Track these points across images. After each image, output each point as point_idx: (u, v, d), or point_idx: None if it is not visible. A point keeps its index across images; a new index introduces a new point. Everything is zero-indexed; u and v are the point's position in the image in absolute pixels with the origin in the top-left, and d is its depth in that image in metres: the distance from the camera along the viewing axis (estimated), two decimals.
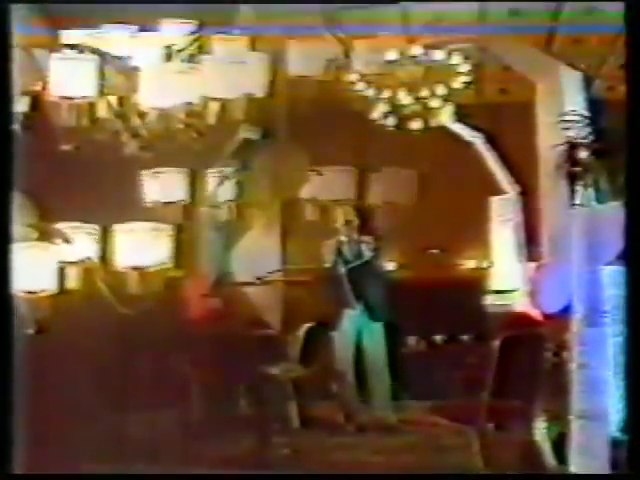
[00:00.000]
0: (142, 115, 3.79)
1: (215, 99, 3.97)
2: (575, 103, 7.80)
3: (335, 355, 8.47)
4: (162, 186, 4.43)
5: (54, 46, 3.62)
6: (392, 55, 8.77)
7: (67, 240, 4.37)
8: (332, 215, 5.22)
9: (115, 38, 3.81)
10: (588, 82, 8.31)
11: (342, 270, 8.51)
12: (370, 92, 9.02)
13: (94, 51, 3.85)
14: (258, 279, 9.87)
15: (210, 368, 8.63)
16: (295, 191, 4.57)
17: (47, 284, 4.16)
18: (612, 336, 5.93)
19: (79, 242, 4.38)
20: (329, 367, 8.48)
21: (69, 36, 3.71)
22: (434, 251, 9.85)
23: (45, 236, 4.14)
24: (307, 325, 8.77)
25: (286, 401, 8.35)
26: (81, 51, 3.81)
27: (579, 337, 6.09)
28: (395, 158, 9.55)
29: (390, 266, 9.28)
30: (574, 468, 6.04)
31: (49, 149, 4.24)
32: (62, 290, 4.32)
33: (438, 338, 9.57)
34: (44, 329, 4.31)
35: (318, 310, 8.87)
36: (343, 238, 8.56)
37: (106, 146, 4.29)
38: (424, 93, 9.24)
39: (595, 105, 7.86)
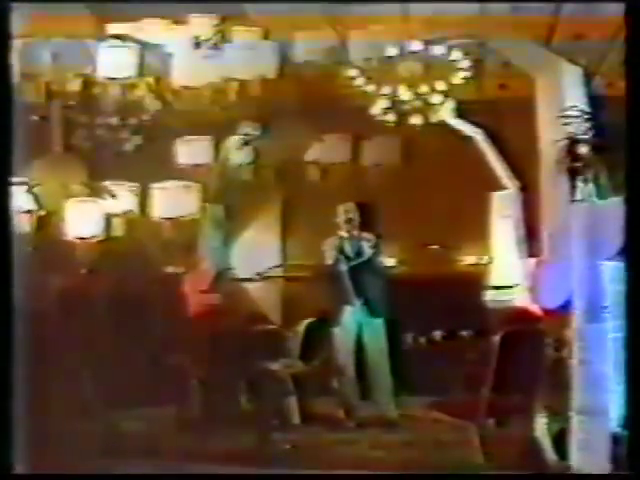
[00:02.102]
0: (175, 92, 4.49)
1: (235, 79, 4.63)
2: (575, 99, 7.81)
3: (336, 351, 8.46)
4: (191, 151, 5.24)
5: (102, 36, 4.25)
6: (392, 51, 8.77)
7: (113, 196, 5.14)
8: (331, 177, 5.75)
9: (152, 30, 4.54)
10: (588, 78, 8.31)
11: (343, 266, 8.49)
12: (370, 88, 9.02)
13: (135, 40, 4.56)
14: (258, 275, 9.89)
15: (210, 364, 8.63)
16: (300, 154, 5.15)
17: (96, 232, 4.98)
18: (612, 332, 5.93)
19: (122, 197, 5.15)
20: (329, 363, 8.48)
21: (114, 28, 4.38)
22: (434, 247, 9.87)
23: (95, 192, 4.91)
24: (307, 321, 8.77)
25: (286, 397, 8.35)
26: (124, 40, 4.45)
27: (579, 333, 6.08)
28: (395, 154, 9.58)
29: (390, 262, 9.29)
30: (574, 464, 6.03)
31: (98, 121, 4.84)
32: (108, 237, 5.12)
33: (438, 334, 9.58)
34: (92, 269, 4.81)
35: (318, 306, 8.88)
36: (344, 235, 8.55)
37: (145, 117, 4.92)
38: (424, 89, 9.24)
39: (595, 101, 7.86)
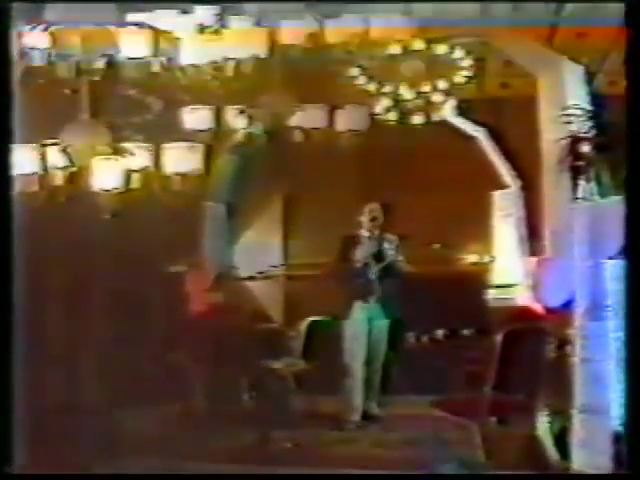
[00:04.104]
0: (182, 70, 5.67)
1: (232, 59, 5.81)
2: (577, 97, 7.80)
3: (343, 348, 8.42)
4: (196, 118, 6.39)
5: (123, 23, 5.10)
6: (394, 49, 8.77)
7: (132, 154, 6.01)
8: (313, 141, 6.60)
9: (164, 18, 5.76)
10: (590, 76, 8.31)
11: (364, 264, 8.43)
12: (372, 86, 9.03)
13: (150, 27, 5.67)
14: (260, 273, 9.90)
15: (212, 362, 8.64)
16: (284, 120, 5.98)
17: (117, 184, 6.02)
18: (614, 330, 5.92)
19: (140, 156, 6.12)
20: (332, 361, 8.46)
21: (133, 17, 5.63)
22: (436, 246, 9.87)
23: (117, 151, 5.86)
24: (309, 319, 8.77)
25: (288, 395, 8.35)
26: (141, 27, 5.56)
27: (581, 331, 6.07)
28: (397, 153, 9.58)
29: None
30: (576, 462, 6.03)
31: (120, 92, 6.10)
32: (128, 189, 6.10)
33: (440, 333, 9.58)
34: (115, 215, 6.12)
35: (321, 304, 8.87)
36: (366, 234, 8.49)
37: (158, 90, 6.20)
38: (426, 87, 9.24)
39: (597, 99, 7.85)
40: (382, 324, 8.45)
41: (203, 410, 8.48)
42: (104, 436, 7.29)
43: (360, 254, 8.40)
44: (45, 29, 5.59)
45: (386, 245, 8.48)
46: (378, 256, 8.44)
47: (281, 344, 8.76)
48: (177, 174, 6.29)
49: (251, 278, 10.04)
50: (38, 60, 5.59)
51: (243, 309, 9.59)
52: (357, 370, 8.34)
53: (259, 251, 10.21)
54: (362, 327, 8.40)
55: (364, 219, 8.49)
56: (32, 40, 5.59)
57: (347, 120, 6.78)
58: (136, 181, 6.28)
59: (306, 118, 6.58)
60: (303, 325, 8.79)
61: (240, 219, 10.31)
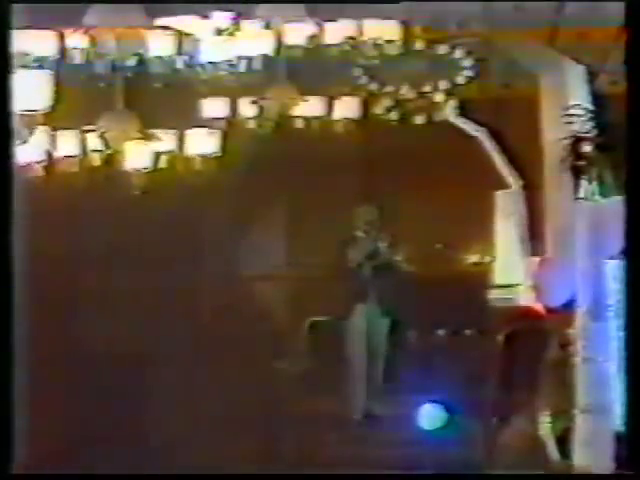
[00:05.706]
0: (202, 66, 6.44)
1: (244, 57, 6.46)
2: (579, 97, 7.80)
3: (344, 348, 8.44)
4: (213, 107, 7.32)
5: (151, 27, 6.03)
6: (395, 49, 8.76)
7: (159, 139, 6.77)
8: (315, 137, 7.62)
9: (186, 22, 6.36)
10: (592, 76, 8.31)
11: (361, 265, 8.47)
12: (373, 86, 9.03)
13: (174, 29, 6.22)
14: (263, 273, 9.90)
15: (214, 362, 8.64)
16: (289, 110, 6.95)
17: (146, 165, 6.92)
18: (617, 330, 5.93)
19: (166, 140, 6.95)
20: (333, 361, 8.48)
21: (159, 21, 6.20)
22: (437, 246, 9.87)
23: (146, 137, 6.54)
24: (313, 319, 8.78)
25: (292, 395, 8.36)
26: (167, 29, 6.22)
27: (583, 331, 6.08)
28: (398, 153, 9.58)
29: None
30: (578, 462, 6.03)
31: (149, 87, 6.83)
32: (155, 168, 6.96)
33: (441, 333, 9.58)
34: (144, 191, 7.00)
35: (324, 304, 8.88)
36: (361, 234, 8.53)
37: (182, 84, 6.93)
38: (427, 88, 9.24)
39: (599, 99, 7.86)
40: (382, 324, 8.48)
41: (203, 410, 8.47)
42: (104, 436, 7.30)
43: (357, 254, 8.45)
44: (85, 32, 6.19)
45: (381, 244, 8.54)
46: (374, 256, 8.49)
47: (285, 344, 8.77)
48: (198, 155, 7.08)
49: (254, 278, 10.05)
50: (79, 58, 6.26)
51: (246, 309, 9.60)
52: (358, 370, 8.37)
53: (261, 251, 10.20)
54: (362, 327, 8.43)
55: (359, 221, 8.55)
56: (73, 41, 6.22)
57: (344, 109, 7.34)
58: (163, 162, 7.07)
59: (307, 107, 7.13)
60: (305, 325, 8.80)
61: (242, 220, 10.31)
